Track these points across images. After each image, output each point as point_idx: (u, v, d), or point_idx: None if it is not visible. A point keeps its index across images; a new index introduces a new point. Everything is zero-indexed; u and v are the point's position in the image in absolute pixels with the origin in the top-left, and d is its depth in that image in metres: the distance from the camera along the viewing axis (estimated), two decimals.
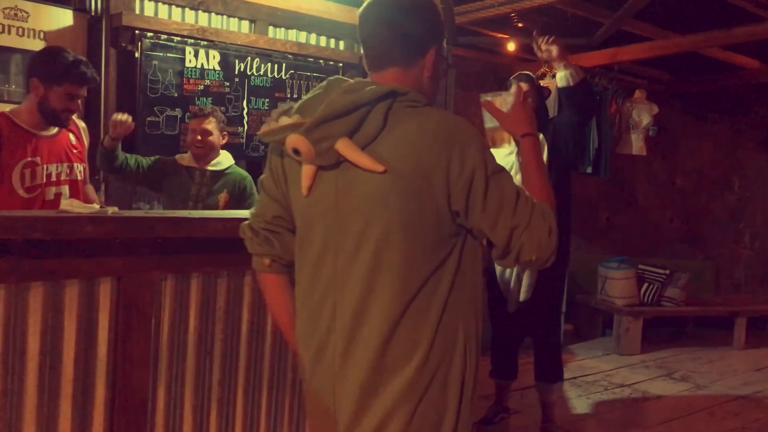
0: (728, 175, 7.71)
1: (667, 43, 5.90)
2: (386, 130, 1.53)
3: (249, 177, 4.10)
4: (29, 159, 2.86)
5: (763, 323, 6.75)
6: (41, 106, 2.89)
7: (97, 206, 2.08)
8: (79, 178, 3.13)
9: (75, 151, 3.13)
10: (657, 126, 6.50)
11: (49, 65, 2.86)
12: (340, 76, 1.75)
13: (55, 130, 3.01)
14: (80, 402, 2.06)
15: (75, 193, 3.07)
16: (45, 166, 2.93)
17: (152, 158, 3.98)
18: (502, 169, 1.59)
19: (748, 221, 7.74)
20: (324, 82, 1.66)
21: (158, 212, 2.50)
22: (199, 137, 3.87)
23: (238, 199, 3.94)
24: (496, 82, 7.22)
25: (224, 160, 4.03)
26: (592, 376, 5.23)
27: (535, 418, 4.10)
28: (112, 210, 2.06)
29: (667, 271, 6.34)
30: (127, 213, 2.14)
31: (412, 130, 1.53)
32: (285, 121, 1.56)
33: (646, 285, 6.34)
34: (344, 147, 1.51)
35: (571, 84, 3.65)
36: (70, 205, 2.03)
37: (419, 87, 1.62)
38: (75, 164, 3.10)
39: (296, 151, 1.54)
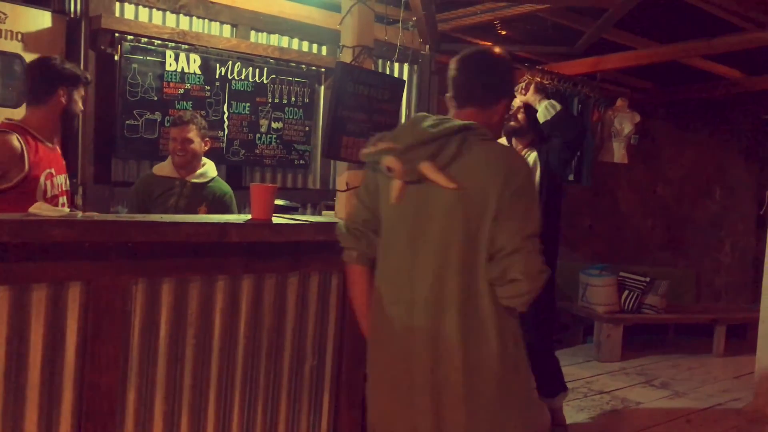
0: (709, 184, 7.76)
1: (649, 53, 5.95)
2: (460, 156, 1.95)
3: (230, 191, 4.01)
4: (48, 170, 2.88)
5: (743, 331, 6.77)
6: (66, 113, 2.93)
7: (66, 210, 2.05)
8: (69, 188, 3.15)
9: (63, 162, 3.14)
10: (639, 134, 6.52)
11: (68, 70, 2.94)
12: (425, 113, 2.15)
13: (55, 141, 3.02)
14: (46, 407, 2.03)
15: (69, 203, 3.11)
16: (57, 177, 2.96)
17: (129, 197, 3.91)
18: (536, 199, 2.03)
19: (728, 229, 7.80)
20: (413, 116, 2.18)
21: (128, 216, 2.47)
22: (179, 146, 3.77)
23: (218, 212, 3.85)
24: None
25: (209, 170, 3.93)
26: (572, 383, 5.22)
27: None
28: (81, 214, 2.03)
29: (648, 279, 6.37)
30: (97, 216, 2.11)
31: (480, 158, 1.96)
32: (382, 145, 2.03)
33: (626, 292, 6.36)
34: (426, 168, 1.95)
35: (548, 118, 3.69)
36: (38, 208, 2.01)
37: (488, 125, 2.06)
38: (66, 175, 3.12)
39: (389, 169, 2.01)
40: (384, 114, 2.62)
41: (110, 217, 2.18)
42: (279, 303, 2.48)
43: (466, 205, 1.94)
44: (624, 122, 6.48)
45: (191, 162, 3.84)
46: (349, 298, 2.30)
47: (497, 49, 2.29)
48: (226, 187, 3.99)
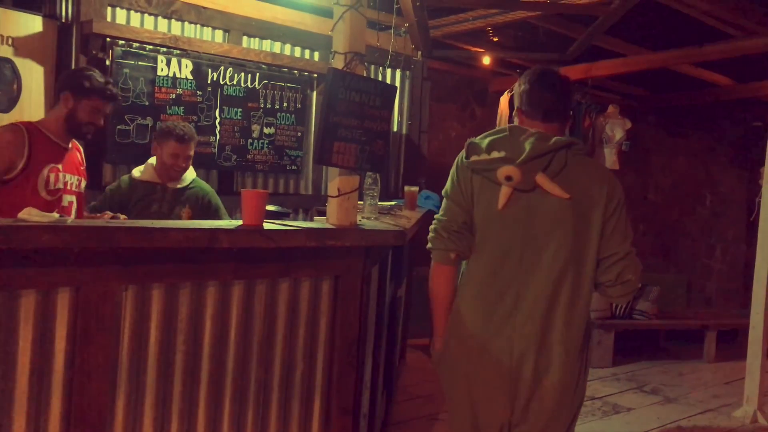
0: (700, 190, 7.80)
1: (640, 60, 5.99)
2: (566, 168, 2.25)
3: (212, 190, 4.00)
4: (53, 165, 3.05)
5: (733, 337, 6.80)
6: (69, 118, 3.08)
7: (56, 215, 2.03)
8: (83, 191, 3.32)
9: (81, 167, 3.32)
10: (630, 141, 6.56)
11: (82, 80, 3.07)
12: (517, 125, 2.39)
13: (70, 144, 3.20)
14: (34, 414, 2.01)
15: (80, 204, 3.28)
16: (65, 174, 3.12)
17: (104, 197, 3.83)
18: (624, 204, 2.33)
19: (719, 236, 7.83)
20: (505, 128, 2.37)
21: (118, 222, 2.45)
22: (183, 163, 3.74)
23: (202, 213, 3.83)
24: (472, 95, 7.26)
25: (187, 175, 3.88)
26: None
27: None
28: (71, 219, 2.02)
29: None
30: (87, 222, 2.10)
31: (582, 171, 2.29)
32: (497, 155, 2.25)
33: None
34: (542, 179, 2.23)
35: None
36: (27, 213, 1.99)
37: None
38: (82, 179, 3.29)
39: (509, 178, 2.23)
40: (376, 120, 2.62)
41: (98, 222, 2.16)
42: (269, 309, 2.47)
43: (574, 213, 2.24)
44: (615, 129, 6.52)
45: (182, 175, 3.83)
46: (435, 299, 2.42)
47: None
48: (207, 188, 3.97)
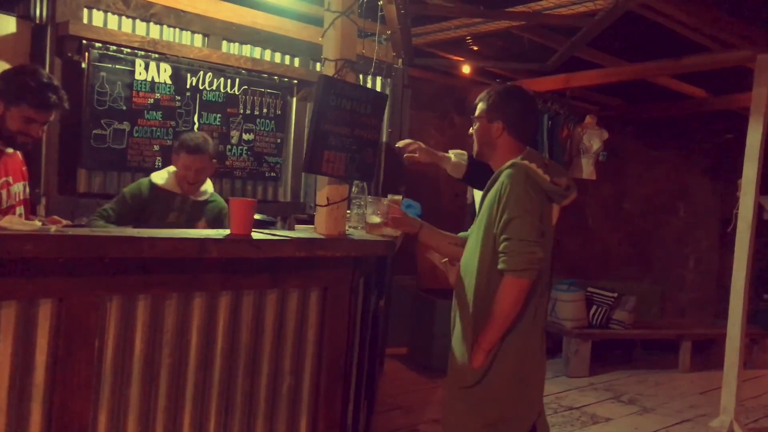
0: (674, 201, 7.87)
1: (618, 71, 6.02)
2: None
3: (226, 206, 3.84)
4: (4, 179, 2.73)
5: (707, 347, 6.86)
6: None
7: (38, 223, 1.96)
8: (28, 196, 3.00)
9: (23, 168, 2.99)
10: (607, 151, 6.59)
11: (10, 83, 2.64)
12: (532, 150, 2.56)
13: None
14: (13, 431, 1.93)
15: (27, 212, 2.94)
16: (15, 185, 2.81)
17: (119, 199, 3.66)
18: None
19: (693, 246, 7.91)
20: (535, 152, 2.55)
21: (103, 230, 2.38)
22: (193, 176, 3.62)
23: (214, 226, 3.70)
24: (451, 104, 7.26)
25: (208, 188, 3.83)
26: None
27: None
28: (54, 228, 1.94)
29: (616, 294, 6.41)
30: (71, 231, 2.02)
31: None
32: (566, 181, 2.52)
33: (594, 307, 6.39)
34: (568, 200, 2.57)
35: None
36: (9, 222, 1.91)
37: None
38: (26, 183, 2.97)
39: (571, 201, 2.57)
40: (366, 128, 2.57)
41: (83, 231, 2.09)
42: (257, 321, 2.42)
43: None
44: (593, 139, 6.55)
45: (200, 187, 3.75)
46: (510, 316, 2.40)
47: None
48: (222, 203, 3.88)
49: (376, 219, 2.78)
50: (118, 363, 2.11)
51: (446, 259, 3.07)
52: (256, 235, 2.35)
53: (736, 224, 4.87)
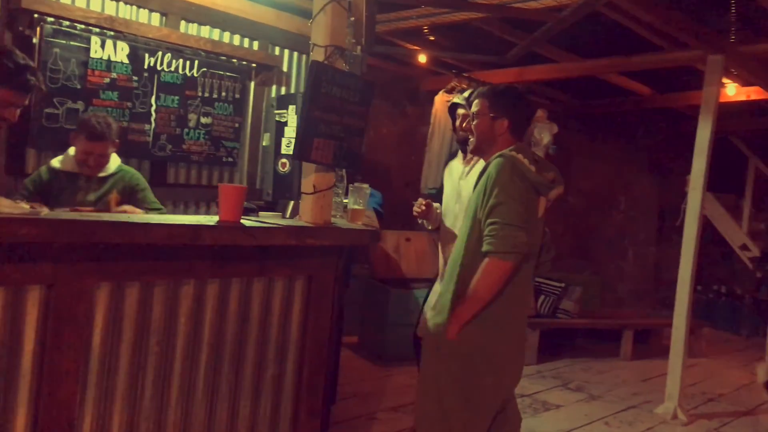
0: (615, 195, 8.11)
1: (571, 66, 6.14)
2: None
3: (137, 173, 3.78)
4: None
5: (645, 336, 7.11)
6: None
7: (27, 206, 1.87)
8: None
9: None
10: (556, 145, 6.73)
11: None
12: (522, 145, 2.64)
13: None
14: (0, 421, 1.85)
15: None
16: None
17: (23, 190, 3.51)
18: None
19: (631, 239, 8.17)
20: (525, 147, 2.61)
21: (97, 215, 2.29)
22: (93, 161, 3.47)
23: (130, 196, 3.61)
24: (404, 93, 7.27)
25: (111, 164, 3.64)
26: None
27: None
28: (45, 211, 1.86)
29: (563, 284, 6.57)
30: (64, 215, 1.94)
31: None
32: (552, 175, 2.61)
33: (542, 297, 6.54)
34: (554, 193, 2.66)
35: None
36: None
37: None
38: None
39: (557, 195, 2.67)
40: (354, 116, 2.55)
41: (74, 215, 2.01)
42: (243, 309, 2.38)
43: None
44: (543, 132, 6.68)
45: (101, 170, 3.60)
46: (488, 296, 2.44)
47: None
48: (131, 170, 3.75)
49: (359, 207, 2.77)
50: (105, 353, 2.05)
51: None
52: (245, 221, 2.30)
53: (684, 218, 5.05)
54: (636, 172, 8.10)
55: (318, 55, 2.53)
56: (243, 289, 2.36)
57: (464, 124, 3.70)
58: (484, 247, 2.41)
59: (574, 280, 6.98)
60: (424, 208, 3.49)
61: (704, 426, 4.85)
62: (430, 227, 3.66)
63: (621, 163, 8.10)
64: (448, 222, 3.50)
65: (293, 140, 5.19)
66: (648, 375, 6.12)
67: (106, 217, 2.04)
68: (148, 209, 3.56)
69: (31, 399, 1.92)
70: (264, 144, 5.44)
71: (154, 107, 4.79)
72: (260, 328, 2.43)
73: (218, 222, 2.23)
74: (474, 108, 2.68)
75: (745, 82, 6.07)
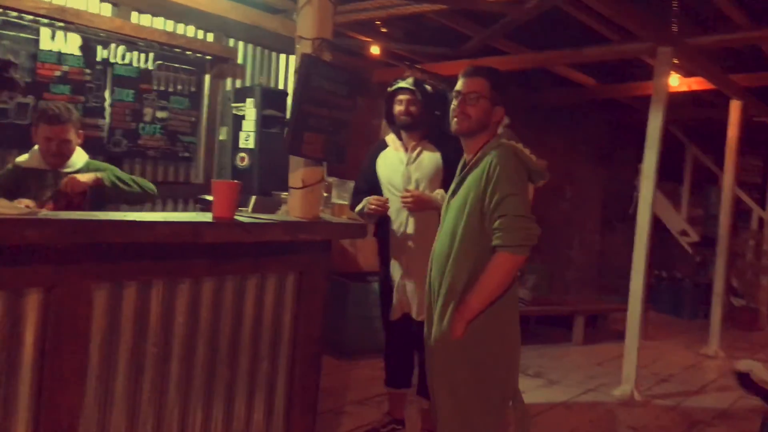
0: (562, 185, 8.28)
1: (522, 58, 6.22)
2: None
3: (110, 166, 3.62)
4: None
5: (593, 321, 7.31)
6: None
7: (23, 206, 1.79)
8: None
9: None
10: None
11: None
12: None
13: None
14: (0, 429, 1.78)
15: None
16: None
17: None
18: None
19: (577, 227, 8.38)
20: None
21: (97, 214, 2.21)
22: (55, 148, 3.33)
23: (100, 195, 3.53)
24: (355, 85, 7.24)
25: (78, 159, 3.51)
26: None
27: None
28: (42, 212, 1.79)
29: (519, 273, 6.67)
30: (64, 215, 1.87)
31: None
32: (543, 163, 2.61)
33: None
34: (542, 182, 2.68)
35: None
36: None
37: None
38: None
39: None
40: (342, 109, 2.54)
41: (77, 215, 1.93)
42: (237, 307, 2.34)
43: None
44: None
45: (66, 161, 3.47)
46: (500, 288, 2.46)
47: None
48: (104, 167, 3.64)
49: (342, 202, 2.75)
50: (104, 355, 1.99)
51: None
52: (240, 218, 2.27)
53: (636, 206, 5.21)
54: (581, 162, 8.31)
55: (305, 48, 2.50)
56: (237, 286, 2.32)
57: (411, 108, 3.62)
58: (495, 242, 2.39)
59: (527, 269, 7.12)
60: (382, 206, 3.41)
61: (661, 405, 5.02)
62: (371, 221, 3.54)
63: (567, 154, 8.29)
64: (397, 203, 3.48)
65: (252, 134, 5.13)
66: (601, 359, 6.29)
67: (107, 216, 1.97)
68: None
69: (32, 405, 1.84)
70: (221, 138, 5.35)
71: (108, 101, 4.66)
72: (254, 324, 2.39)
73: (214, 219, 2.18)
74: (468, 87, 2.58)
75: (687, 73, 6.29)
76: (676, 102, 6.90)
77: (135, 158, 4.91)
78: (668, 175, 8.15)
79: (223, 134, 5.32)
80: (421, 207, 3.44)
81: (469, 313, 2.44)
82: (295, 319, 2.52)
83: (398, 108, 3.66)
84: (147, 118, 4.86)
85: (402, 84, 3.77)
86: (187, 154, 5.15)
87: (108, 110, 4.65)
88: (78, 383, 1.91)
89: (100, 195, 3.28)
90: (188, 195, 5.25)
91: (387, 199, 3.50)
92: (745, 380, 3.26)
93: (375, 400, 4.65)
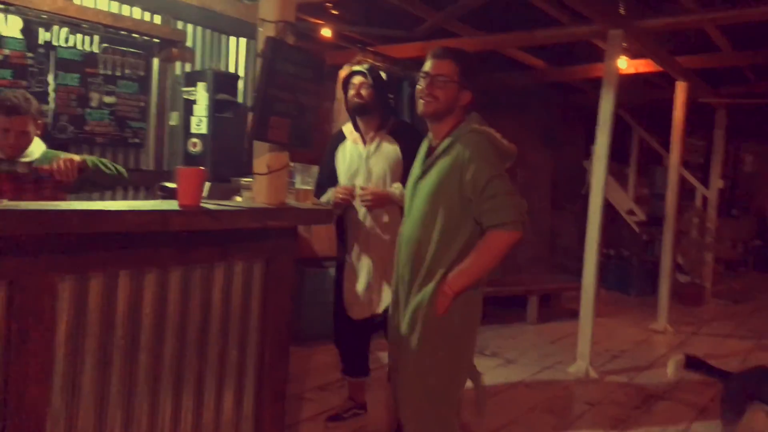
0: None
1: (475, 41, 6.22)
2: None
3: (57, 152, 3.56)
4: None
5: (548, 300, 7.43)
6: None
7: None
8: None
9: None
10: None
11: None
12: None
13: None
14: None
15: None
16: None
17: None
18: None
19: (529, 208, 8.45)
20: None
21: (60, 204, 2.11)
22: (13, 140, 3.18)
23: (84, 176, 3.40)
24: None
25: (35, 149, 3.35)
26: None
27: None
28: (3, 202, 1.71)
29: None
30: (25, 206, 1.78)
31: None
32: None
33: None
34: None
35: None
36: None
37: None
38: None
39: None
40: (307, 93, 2.49)
41: (40, 205, 1.84)
42: (205, 295, 2.28)
43: None
44: None
45: (24, 151, 3.34)
46: (494, 264, 2.51)
47: None
48: (61, 155, 3.53)
49: (307, 187, 2.71)
50: (70, 350, 1.91)
51: None
52: (209, 205, 2.21)
53: (589, 187, 5.29)
54: (531, 144, 8.39)
55: (268, 31, 2.44)
56: (204, 274, 2.26)
57: (361, 91, 3.56)
58: (489, 222, 2.40)
59: None
60: (348, 196, 3.44)
61: (615, 381, 5.14)
62: (338, 212, 3.56)
63: (519, 135, 8.30)
64: (356, 203, 3.50)
65: (204, 119, 5.03)
66: (555, 337, 6.41)
67: (74, 205, 1.88)
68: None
69: None
70: (172, 123, 5.22)
71: (52, 86, 4.49)
72: (222, 313, 2.34)
73: (180, 207, 2.12)
74: (436, 69, 2.54)
75: (634, 55, 6.40)
76: (623, 84, 7.03)
77: (82, 145, 4.75)
78: (615, 156, 8.31)
79: (173, 119, 5.19)
80: (380, 204, 3.43)
81: (459, 289, 2.47)
82: (264, 306, 2.48)
83: (350, 92, 3.61)
84: (94, 104, 4.71)
85: (356, 68, 3.72)
86: (136, 141, 5.01)
87: (52, 95, 4.49)
88: (44, 379, 1.84)
89: (82, 179, 3.18)
90: (139, 182, 5.12)
91: (353, 187, 3.48)
92: (692, 361, 3.38)
93: (335, 386, 4.64)
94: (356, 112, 3.59)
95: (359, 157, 3.56)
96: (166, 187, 4.88)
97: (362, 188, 3.44)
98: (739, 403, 3.15)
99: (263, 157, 2.48)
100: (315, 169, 2.75)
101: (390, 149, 3.55)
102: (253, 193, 2.52)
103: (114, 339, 2.02)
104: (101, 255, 1.93)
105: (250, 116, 2.35)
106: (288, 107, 2.43)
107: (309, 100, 2.53)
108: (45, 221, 1.70)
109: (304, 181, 2.73)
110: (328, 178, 3.58)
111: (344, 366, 3.95)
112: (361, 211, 3.51)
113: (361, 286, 3.59)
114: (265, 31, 2.44)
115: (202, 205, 2.20)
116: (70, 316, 1.90)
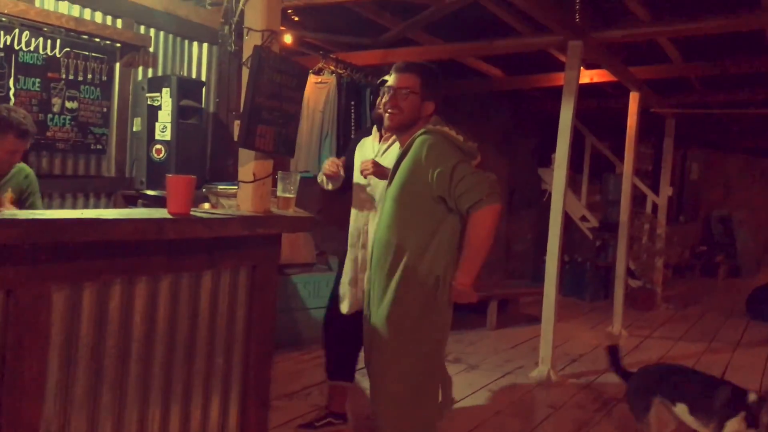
0: None
1: (435, 49, 6.31)
2: None
3: (30, 170, 3.57)
4: None
5: (505, 305, 7.55)
6: None
7: None
8: None
9: None
10: None
11: None
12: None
13: None
14: None
15: None
16: None
17: None
18: None
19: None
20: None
21: (64, 212, 2.08)
22: (15, 159, 3.24)
23: (19, 197, 3.37)
24: None
25: None
26: None
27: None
28: (10, 212, 1.68)
29: None
30: (21, 214, 1.76)
31: None
32: (475, 144, 2.73)
33: None
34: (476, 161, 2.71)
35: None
36: None
37: None
38: None
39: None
40: (291, 102, 2.51)
41: (40, 214, 1.81)
42: (193, 303, 2.28)
43: None
44: None
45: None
46: (492, 239, 2.55)
47: None
48: (25, 167, 3.53)
49: (289, 195, 2.73)
50: (64, 359, 1.90)
51: None
52: (199, 213, 2.21)
53: (550, 195, 5.41)
54: (489, 151, 8.51)
55: (254, 40, 2.45)
56: (193, 282, 2.26)
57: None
58: (466, 203, 2.46)
59: None
60: (336, 168, 3.53)
61: (575, 384, 5.27)
62: (330, 187, 3.64)
63: (478, 144, 8.47)
64: (362, 194, 3.55)
65: (168, 125, 4.98)
66: (514, 342, 6.52)
67: (74, 214, 1.86)
68: None
69: None
70: (135, 129, 5.15)
71: (12, 90, 4.39)
72: (209, 320, 2.34)
73: (171, 215, 2.12)
74: (399, 82, 2.67)
75: (588, 66, 6.58)
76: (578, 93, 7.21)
77: (42, 151, 4.65)
78: (568, 164, 8.51)
79: (137, 125, 5.12)
80: (381, 174, 3.44)
81: (470, 281, 2.62)
82: (249, 313, 2.49)
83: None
84: (56, 109, 4.62)
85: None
86: (99, 147, 4.93)
87: (12, 100, 4.38)
88: (38, 389, 1.82)
89: None
90: (100, 189, 5.04)
91: (342, 160, 3.60)
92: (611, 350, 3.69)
93: (302, 393, 4.64)
94: (379, 122, 3.68)
95: (372, 153, 3.63)
96: (146, 194, 4.82)
97: (363, 162, 3.48)
98: (643, 399, 3.57)
99: (248, 166, 2.49)
100: (296, 177, 2.76)
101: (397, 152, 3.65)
102: (238, 200, 2.53)
103: (106, 347, 2.01)
104: (95, 263, 1.92)
105: (236, 124, 2.35)
106: (274, 116, 2.44)
107: (293, 108, 2.55)
108: (45, 231, 1.68)
109: (286, 189, 2.74)
110: (346, 168, 3.68)
111: (327, 367, 3.92)
112: (359, 205, 3.56)
113: (348, 278, 3.61)
114: (251, 40, 2.46)
115: (192, 213, 2.20)
116: (64, 326, 1.88)
